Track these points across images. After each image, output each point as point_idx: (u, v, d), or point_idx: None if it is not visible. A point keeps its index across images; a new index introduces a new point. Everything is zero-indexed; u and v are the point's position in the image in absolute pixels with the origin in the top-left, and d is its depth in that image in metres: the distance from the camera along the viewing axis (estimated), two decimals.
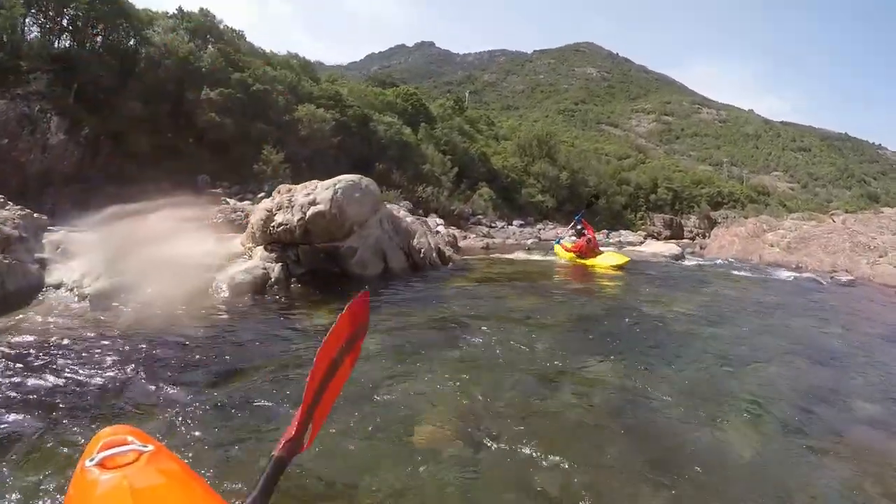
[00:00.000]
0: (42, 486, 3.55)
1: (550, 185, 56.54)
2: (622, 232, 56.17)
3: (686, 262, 21.47)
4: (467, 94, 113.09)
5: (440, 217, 35.06)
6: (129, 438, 2.18)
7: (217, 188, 28.22)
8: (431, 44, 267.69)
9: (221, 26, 39.26)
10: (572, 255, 18.83)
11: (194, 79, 31.36)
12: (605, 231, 54.29)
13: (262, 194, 28.48)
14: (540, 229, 46.40)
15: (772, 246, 23.78)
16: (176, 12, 37.10)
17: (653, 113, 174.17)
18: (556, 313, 9.49)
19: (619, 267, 16.85)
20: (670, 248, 24.32)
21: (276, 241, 11.56)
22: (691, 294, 12.78)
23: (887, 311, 13.03)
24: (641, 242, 33.12)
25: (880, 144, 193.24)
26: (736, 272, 18.58)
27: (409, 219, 15.46)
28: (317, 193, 11.59)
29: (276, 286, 10.33)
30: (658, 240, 56.45)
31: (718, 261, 22.69)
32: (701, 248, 32.51)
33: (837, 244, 21.52)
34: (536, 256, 21.00)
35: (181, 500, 1.89)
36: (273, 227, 11.45)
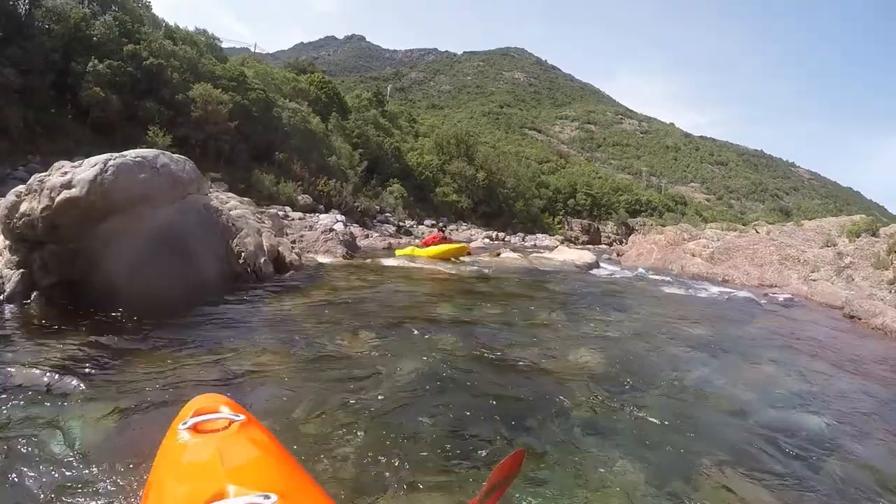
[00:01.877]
0: (131, 444, 3.70)
1: (467, 184, 54.57)
2: (538, 235, 54.57)
3: (601, 273, 19.09)
4: (388, 88, 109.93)
5: (342, 213, 32.52)
6: (222, 407, 2.32)
7: None
8: (362, 38, 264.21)
9: None
10: (420, 250, 19.70)
11: (84, 49, 27.98)
12: (521, 234, 52.73)
13: None
14: (452, 230, 44.25)
15: (693, 255, 21.85)
16: None
17: (576, 120, 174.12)
18: (397, 366, 5.91)
19: (455, 255, 18.59)
20: (583, 255, 21.25)
21: (21, 238, 7.88)
22: (606, 322, 9.71)
23: (847, 339, 10.72)
24: (554, 248, 30.08)
25: (793, 162, 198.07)
26: (658, 287, 16.07)
27: (237, 211, 12.12)
28: (76, 173, 7.82)
29: (9, 302, 7.21)
30: (575, 244, 55.13)
31: (637, 271, 20.41)
32: (618, 255, 30.38)
33: (765, 256, 19.71)
34: (418, 263, 17.68)
35: (267, 468, 1.92)
36: (16, 218, 7.78)
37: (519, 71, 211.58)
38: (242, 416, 2.29)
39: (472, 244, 35.24)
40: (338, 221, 27.66)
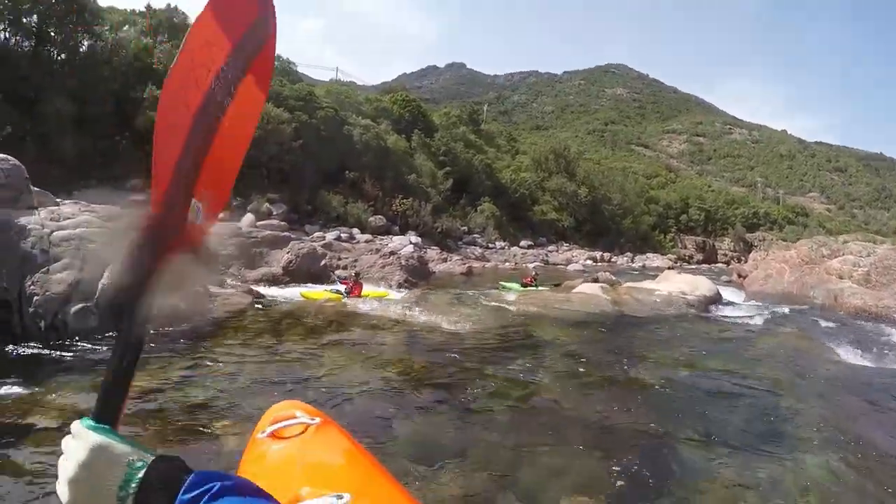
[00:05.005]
0: (221, 454, 4.23)
1: (568, 201, 50.80)
2: (648, 255, 50.41)
3: (723, 313, 14.02)
4: (485, 108, 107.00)
5: (419, 235, 29.63)
6: (297, 413, 2.26)
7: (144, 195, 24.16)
8: (462, 65, 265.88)
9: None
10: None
11: (144, 77, 28.26)
12: (630, 255, 48.40)
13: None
14: (549, 251, 40.44)
15: (841, 277, 17.07)
16: (144, 9, 34.39)
17: (684, 133, 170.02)
18: None
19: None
20: (698, 285, 15.55)
21: None
22: None
23: None
24: (660, 273, 23.93)
25: None
26: (821, 342, 10.18)
27: (65, 232, 8.03)
28: None
29: None
30: (689, 264, 50.47)
31: (773, 308, 15.09)
32: (740, 276, 24.84)
33: None
34: (422, 313, 11.45)
35: (342, 469, 1.94)
36: None
37: (621, 87, 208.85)
38: (318, 420, 2.21)
39: (570, 267, 31.81)
40: (409, 244, 25.87)
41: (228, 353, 7.30)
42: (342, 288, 13.93)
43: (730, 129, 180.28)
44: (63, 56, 27.80)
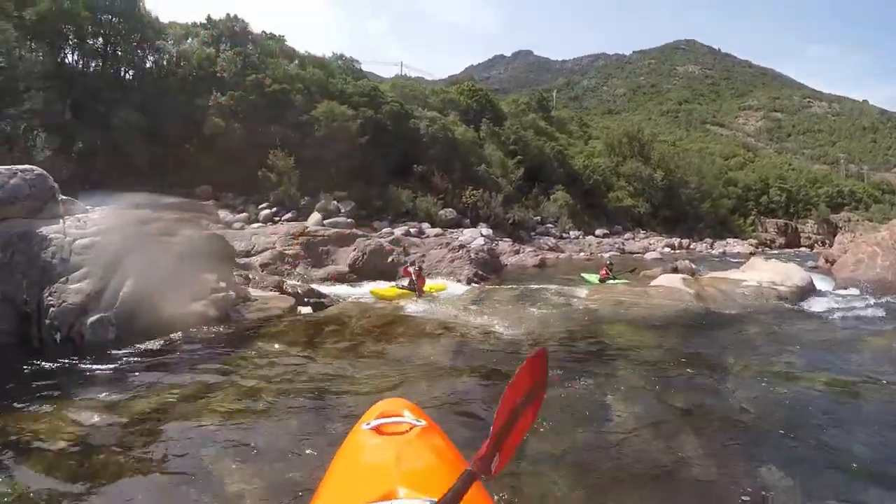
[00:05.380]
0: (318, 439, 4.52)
1: (643, 187, 49.82)
2: (728, 241, 49.10)
3: (818, 307, 12.45)
4: (554, 94, 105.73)
5: (490, 227, 29.56)
6: (405, 412, 2.40)
7: (212, 200, 26.31)
8: (529, 52, 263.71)
9: (255, 30, 37.45)
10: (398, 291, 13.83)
11: (208, 85, 29.73)
12: (709, 240, 47.11)
13: (264, 205, 27.08)
14: (626, 239, 39.58)
15: None
16: (205, 21, 35.65)
17: (761, 109, 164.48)
18: None
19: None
20: (790, 274, 14.41)
21: None
22: None
23: None
24: (747, 258, 22.60)
25: None
26: None
27: (86, 240, 7.89)
28: None
29: None
30: (771, 248, 48.83)
31: (870, 299, 13.67)
32: (827, 261, 23.20)
33: None
34: (476, 316, 10.80)
35: (440, 475, 1.97)
36: None
37: (692, 64, 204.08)
38: (423, 422, 2.34)
39: (648, 256, 31.22)
40: (480, 236, 26.04)
41: (260, 359, 7.13)
42: (405, 281, 13.56)
43: (809, 102, 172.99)
44: (130, 73, 30.20)
